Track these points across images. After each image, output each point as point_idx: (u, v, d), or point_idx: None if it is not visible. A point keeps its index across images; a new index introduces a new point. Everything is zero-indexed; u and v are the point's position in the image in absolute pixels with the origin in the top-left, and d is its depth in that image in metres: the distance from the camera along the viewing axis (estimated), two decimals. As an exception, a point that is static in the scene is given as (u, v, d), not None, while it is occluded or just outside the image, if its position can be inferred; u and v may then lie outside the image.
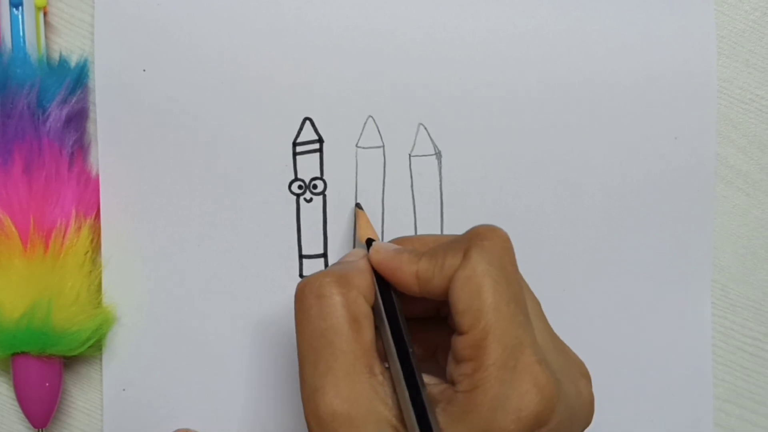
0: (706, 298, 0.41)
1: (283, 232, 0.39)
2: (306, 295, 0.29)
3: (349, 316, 0.29)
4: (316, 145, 0.39)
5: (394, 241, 0.33)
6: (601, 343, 0.40)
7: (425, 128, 0.39)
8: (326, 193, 0.39)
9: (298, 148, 0.39)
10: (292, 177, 0.39)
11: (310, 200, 0.39)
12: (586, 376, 0.31)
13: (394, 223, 0.39)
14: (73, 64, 0.38)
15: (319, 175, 0.39)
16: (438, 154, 0.40)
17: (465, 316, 0.28)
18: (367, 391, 0.28)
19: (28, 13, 0.37)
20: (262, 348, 0.39)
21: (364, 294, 0.30)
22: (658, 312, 0.41)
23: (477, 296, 0.28)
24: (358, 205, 0.39)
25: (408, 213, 0.40)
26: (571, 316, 0.40)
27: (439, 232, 0.39)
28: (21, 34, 0.37)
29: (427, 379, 0.30)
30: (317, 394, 0.28)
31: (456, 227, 0.39)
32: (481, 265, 0.28)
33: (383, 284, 0.31)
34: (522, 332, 0.27)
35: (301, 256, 0.39)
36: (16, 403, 0.38)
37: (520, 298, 0.28)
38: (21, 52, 0.37)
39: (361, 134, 0.39)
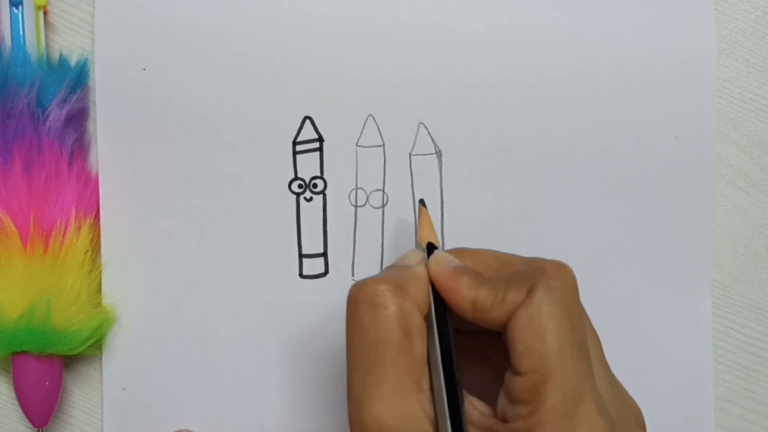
0: (706, 297, 0.41)
1: (283, 232, 0.39)
2: (359, 302, 0.28)
3: (402, 328, 0.28)
4: (316, 144, 0.39)
5: (452, 252, 0.31)
6: (601, 342, 0.40)
7: (425, 127, 0.39)
8: (326, 192, 0.39)
9: (298, 147, 0.39)
10: (292, 176, 0.39)
11: (310, 199, 0.39)
12: (642, 426, 0.30)
13: (394, 221, 0.39)
14: (73, 63, 0.38)
15: (319, 174, 0.39)
16: (438, 153, 0.40)
17: (525, 357, 0.26)
18: (414, 406, 0.27)
19: (28, 12, 0.37)
20: (262, 347, 0.39)
21: (419, 305, 0.28)
22: (658, 312, 0.41)
23: (539, 339, 0.26)
24: (421, 202, 0.36)
25: (409, 212, 0.40)
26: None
27: (440, 231, 0.39)
28: (21, 33, 0.37)
29: (477, 405, 0.29)
30: (364, 406, 0.27)
31: (456, 226, 0.39)
32: (546, 305, 0.27)
33: (438, 297, 0.29)
34: (583, 380, 0.26)
35: (301, 256, 0.39)
36: (16, 402, 0.38)
37: (584, 343, 0.27)
38: (21, 51, 0.37)
39: (361, 133, 0.39)
